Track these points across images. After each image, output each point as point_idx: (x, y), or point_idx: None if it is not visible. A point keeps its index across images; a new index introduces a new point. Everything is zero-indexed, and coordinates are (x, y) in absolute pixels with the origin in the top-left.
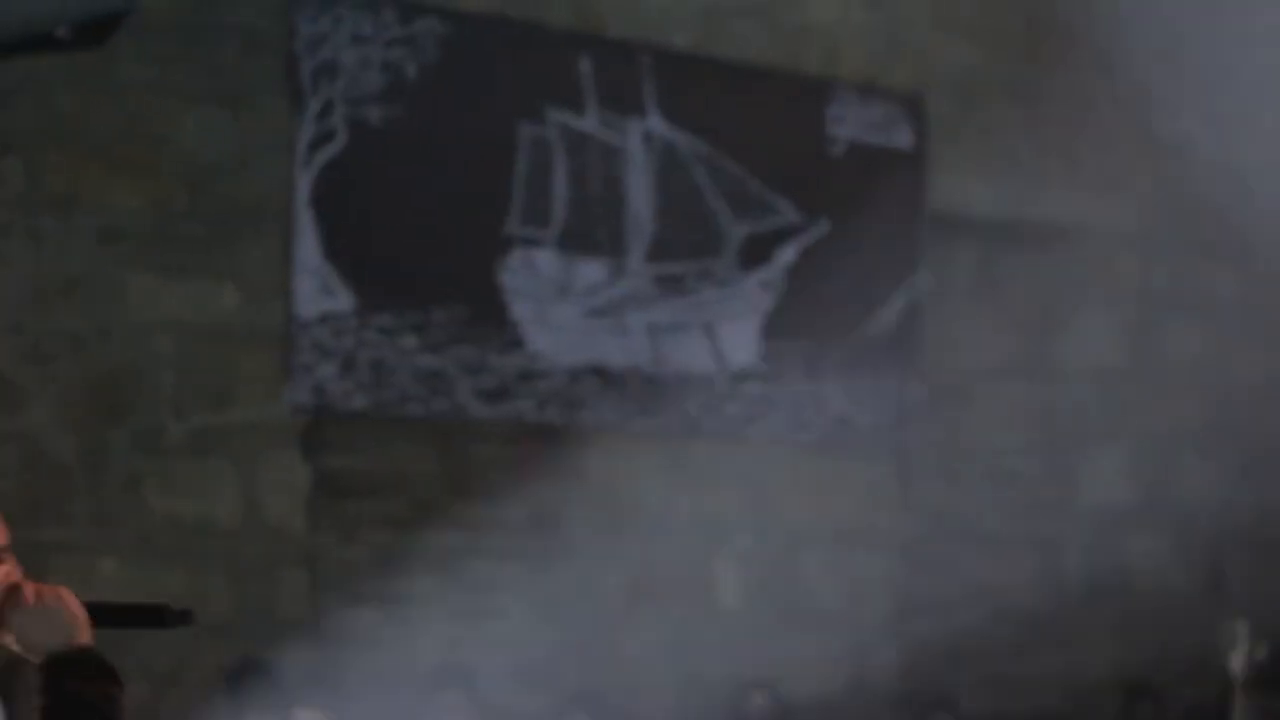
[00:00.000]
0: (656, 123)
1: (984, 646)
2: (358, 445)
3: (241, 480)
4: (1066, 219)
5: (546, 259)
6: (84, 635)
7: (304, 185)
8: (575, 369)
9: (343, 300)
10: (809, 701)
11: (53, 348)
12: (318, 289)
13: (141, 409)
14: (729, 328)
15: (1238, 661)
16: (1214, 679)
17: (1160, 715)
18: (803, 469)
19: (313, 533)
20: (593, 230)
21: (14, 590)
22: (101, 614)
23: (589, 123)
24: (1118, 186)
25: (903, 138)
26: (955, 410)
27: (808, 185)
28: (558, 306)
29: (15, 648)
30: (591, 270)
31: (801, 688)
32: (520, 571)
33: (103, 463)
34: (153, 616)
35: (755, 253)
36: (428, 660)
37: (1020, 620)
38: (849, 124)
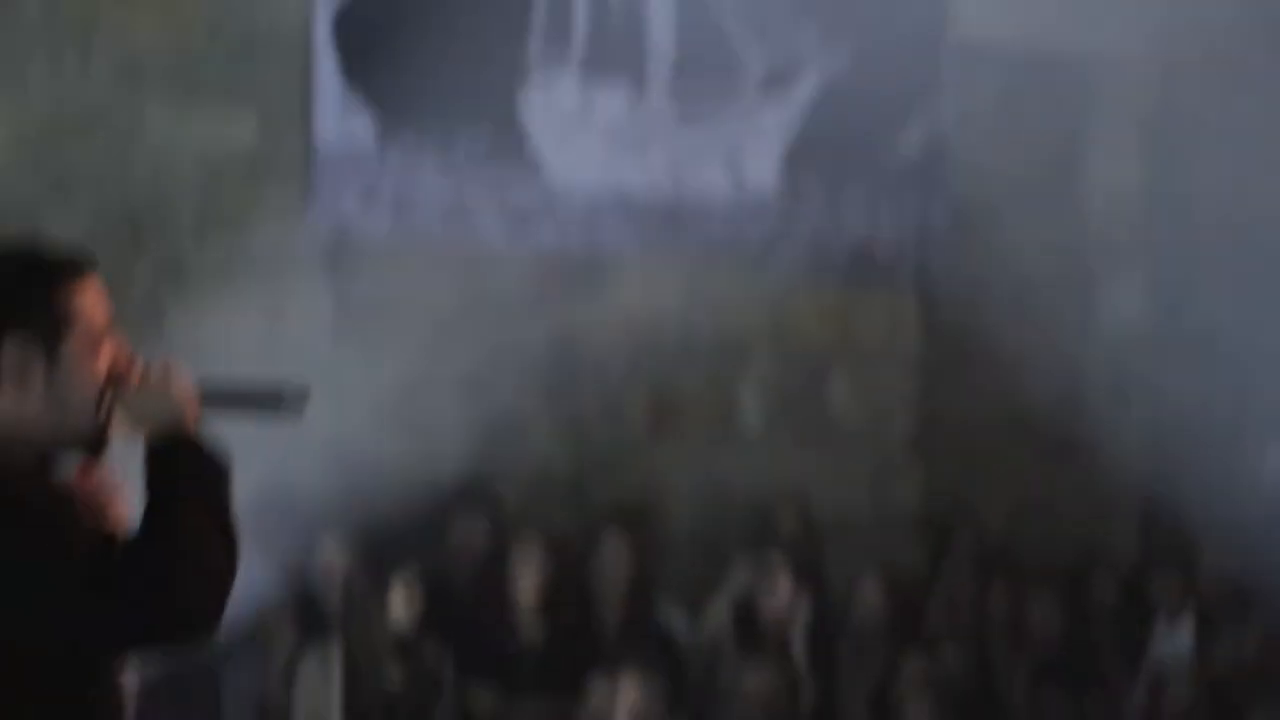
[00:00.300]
0: None
1: (1006, 467)
2: (379, 272)
3: (264, 308)
4: (1089, 46)
5: (567, 88)
6: (190, 419)
7: (324, 14)
8: (596, 197)
9: (363, 130)
10: (832, 521)
11: (74, 179)
12: (338, 119)
13: (163, 240)
14: (750, 155)
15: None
16: (1241, 498)
17: (1184, 534)
18: (825, 294)
19: (336, 359)
20: (613, 58)
21: (120, 376)
22: (214, 396)
23: None
24: (1141, 14)
25: None
26: (977, 235)
27: (830, 13)
28: (579, 135)
29: (125, 431)
30: (612, 98)
31: (824, 508)
32: (542, 395)
33: (125, 293)
34: (268, 398)
35: (777, 80)
36: (452, 482)
37: (1042, 440)
38: None
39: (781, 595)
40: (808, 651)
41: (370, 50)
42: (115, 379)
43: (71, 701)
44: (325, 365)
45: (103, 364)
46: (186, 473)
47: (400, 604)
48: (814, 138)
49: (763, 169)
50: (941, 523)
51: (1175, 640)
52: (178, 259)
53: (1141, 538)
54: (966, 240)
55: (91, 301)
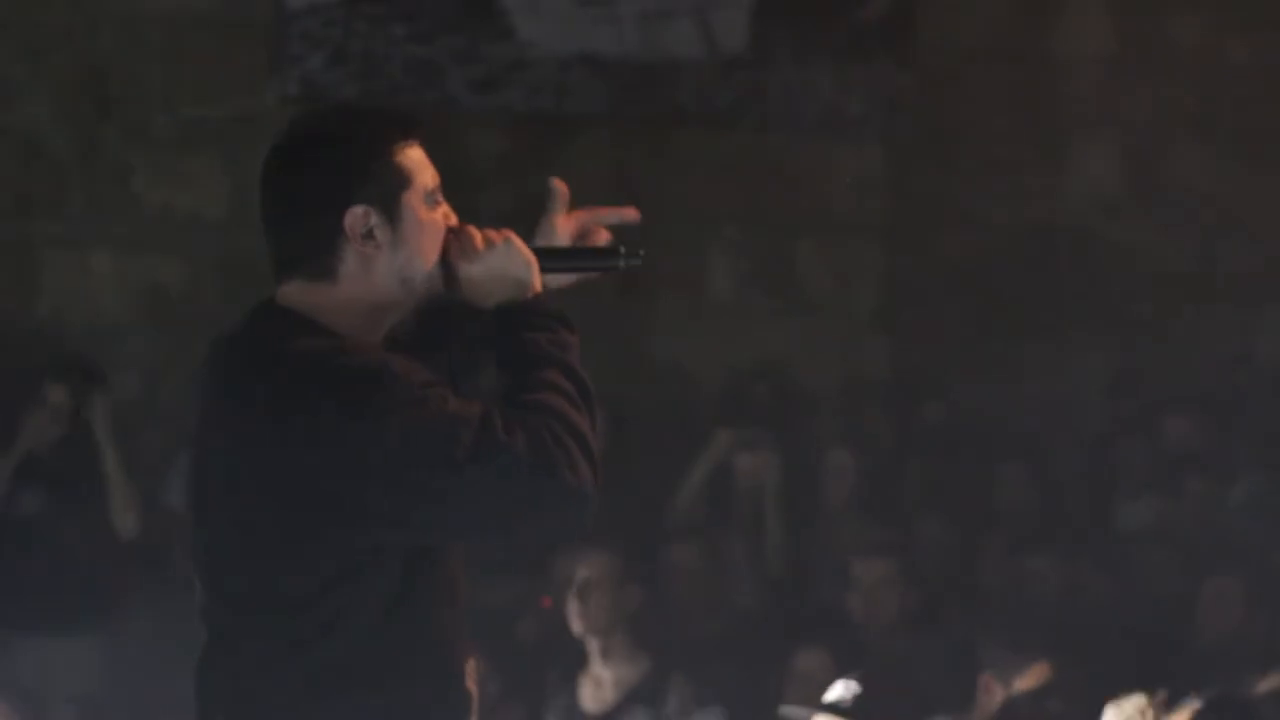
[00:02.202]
0: None
1: (974, 334)
2: None
3: (230, 172)
4: None
5: None
6: (536, 282)
7: None
8: (565, 57)
9: None
10: (800, 390)
11: (42, 41)
12: None
13: (130, 102)
14: (720, 13)
15: None
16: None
17: (1147, 404)
18: (793, 156)
19: None
20: None
21: (460, 234)
22: (549, 258)
23: None
24: None
25: None
26: (947, 96)
27: None
28: None
29: (464, 296)
30: None
31: (794, 377)
32: None
33: (94, 156)
34: (605, 257)
35: None
36: None
37: (1011, 306)
38: None
39: (756, 465)
40: (780, 521)
41: None
42: (455, 245)
43: (417, 585)
44: None
45: (441, 220)
46: (544, 340)
47: None
48: None
49: (732, 27)
50: (909, 393)
51: (1138, 512)
52: (144, 122)
53: (1109, 408)
54: (936, 101)
55: (420, 160)
